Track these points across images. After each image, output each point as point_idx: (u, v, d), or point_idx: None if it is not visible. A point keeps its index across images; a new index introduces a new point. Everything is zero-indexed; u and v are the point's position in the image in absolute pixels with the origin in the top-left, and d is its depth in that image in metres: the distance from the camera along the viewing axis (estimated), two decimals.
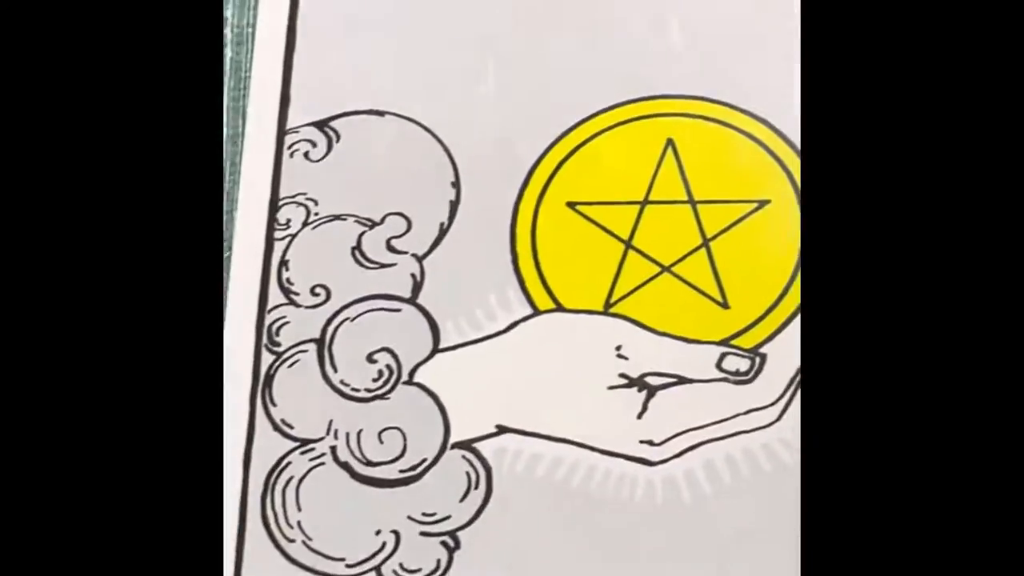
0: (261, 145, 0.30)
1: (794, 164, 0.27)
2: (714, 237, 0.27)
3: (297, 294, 0.28)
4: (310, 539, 0.26)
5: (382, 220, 0.28)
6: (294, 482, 0.27)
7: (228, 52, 0.31)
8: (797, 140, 0.28)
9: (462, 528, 0.26)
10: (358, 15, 0.30)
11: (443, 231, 0.27)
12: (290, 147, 0.29)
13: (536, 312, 0.27)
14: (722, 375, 0.26)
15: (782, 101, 0.28)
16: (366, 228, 0.28)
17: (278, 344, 0.28)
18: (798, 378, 0.26)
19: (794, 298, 0.27)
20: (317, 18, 0.30)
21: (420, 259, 0.27)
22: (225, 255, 0.29)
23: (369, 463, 0.26)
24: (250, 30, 0.31)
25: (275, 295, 0.28)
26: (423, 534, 0.26)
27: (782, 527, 0.26)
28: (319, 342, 0.28)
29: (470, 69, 0.28)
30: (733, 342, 0.26)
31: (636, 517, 0.26)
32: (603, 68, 0.28)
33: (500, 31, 0.29)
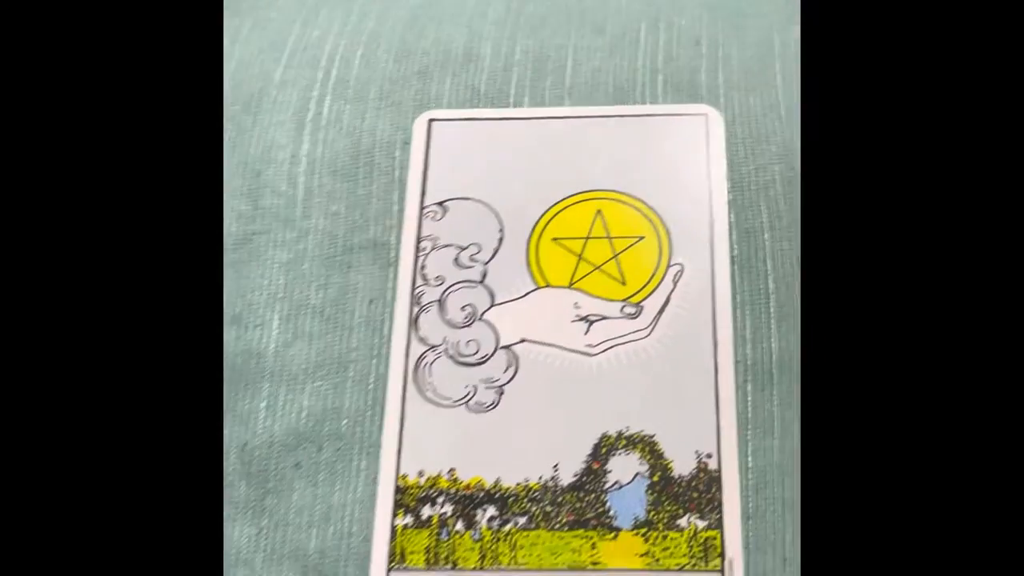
0: None
1: (656, 219, 0.56)
2: (619, 253, 0.52)
3: None
4: None
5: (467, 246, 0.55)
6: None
7: None
8: (659, 208, 0.56)
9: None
10: None
11: (495, 253, 0.55)
12: None
13: (537, 287, 0.54)
14: (623, 315, 0.54)
15: (659, 192, 0.55)
16: (461, 249, 0.56)
17: None
18: (659, 315, 0.54)
19: (656, 279, 0.54)
20: None
21: (485, 263, 0.55)
22: None
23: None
24: None
25: None
26: None
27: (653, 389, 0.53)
28: None
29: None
30: (629, 300, 0.54)
31: (582, 384, 0.52)
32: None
33: None
